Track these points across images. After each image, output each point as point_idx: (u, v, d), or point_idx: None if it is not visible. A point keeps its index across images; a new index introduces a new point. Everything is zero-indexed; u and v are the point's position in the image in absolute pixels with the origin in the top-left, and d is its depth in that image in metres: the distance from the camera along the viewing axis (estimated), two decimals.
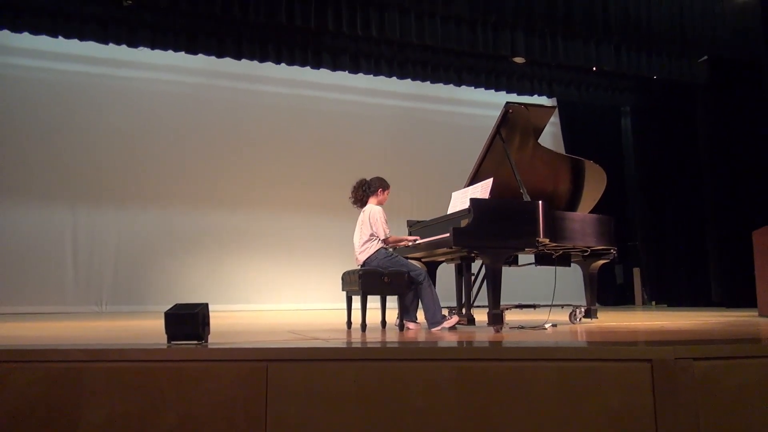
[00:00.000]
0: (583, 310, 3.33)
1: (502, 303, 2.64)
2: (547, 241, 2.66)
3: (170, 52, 5.48)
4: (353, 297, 2.95)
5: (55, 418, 1.59)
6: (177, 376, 1.63)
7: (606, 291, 6.98)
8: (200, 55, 5.56)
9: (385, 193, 3.00)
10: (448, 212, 3.02)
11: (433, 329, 2.77)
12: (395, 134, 6.93)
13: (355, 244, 2.94)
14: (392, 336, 2.51)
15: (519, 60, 6.19)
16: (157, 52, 5.52)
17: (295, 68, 5.92)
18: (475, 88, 6.54)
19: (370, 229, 2.87)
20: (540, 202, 2.67)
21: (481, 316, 2.92)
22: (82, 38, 5.11)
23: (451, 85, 6.49)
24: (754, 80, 5.51)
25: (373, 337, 2.47)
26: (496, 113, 3.00)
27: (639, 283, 7.35)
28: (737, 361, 1.72)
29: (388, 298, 2.83)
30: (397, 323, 2.84)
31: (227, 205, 6.26)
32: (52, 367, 1.63)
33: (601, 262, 3.24)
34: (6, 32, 5.05)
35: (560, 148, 6.97)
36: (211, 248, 6.14)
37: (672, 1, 5.45)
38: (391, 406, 1.62)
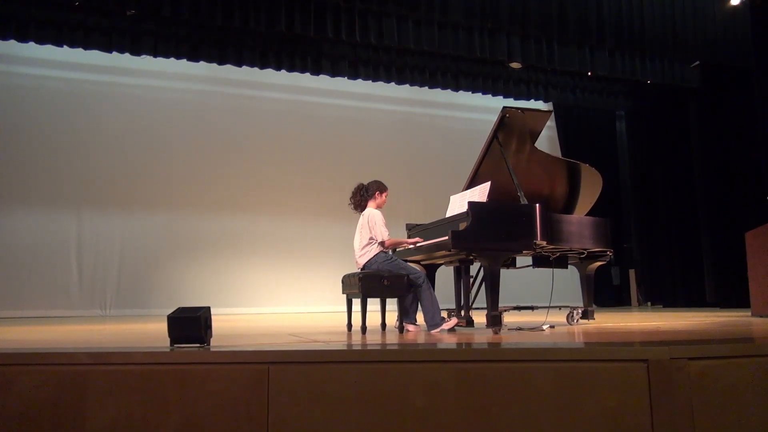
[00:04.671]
0: (580, 311, 3.36)
1: (500, 305, 2.66)
2: (544, 243, 2.69)
3: (172, 59, 5.53)
4: (353, 300, 2.97)
5: (60, 421, 1.61)
6: (180, 378, 1.65)
7: (602, 292, 7.01)
8: (202, 63, 5.62)
9: (384, 195, 3.03)
10: (447, 215, 3.04)
11: (432, 331, 2.79)
12: (394, 139, 6.97)
13: (355, 248, 2.96)
14: (392, 338, 2.53)
15: (515, 65, 6.26)
16: (160, 59, 5.57)
17: (295, 75, 5.97)
18: (473, 92, 6.60)
19: (370, 232, 2.90)
20: (537, 204, 2.70)
21: (479, 317, 2.94)
22: (86, 47, 5.16)
23: (449, 90, 6.55)
24: (745, 85, 5.60)
25: (373, 339, 2.49)
26: (494, 117, 3.04)
27: (635, 285, 7.40)
28: (732, 361, 1.74)
29: (388, 300, 2.86)
30: (397, 325, 2.86)
31: (229, 209, 6.29)
32: (58, 370, 1.65)
33: (598, 263, 3.28)
34: (12, 42, 5.10)
35: (556, 152, 7.03)
36: (213, 252, 6.16)
37: (664, 7, 5.54)
38: (391, 408, 1.64)
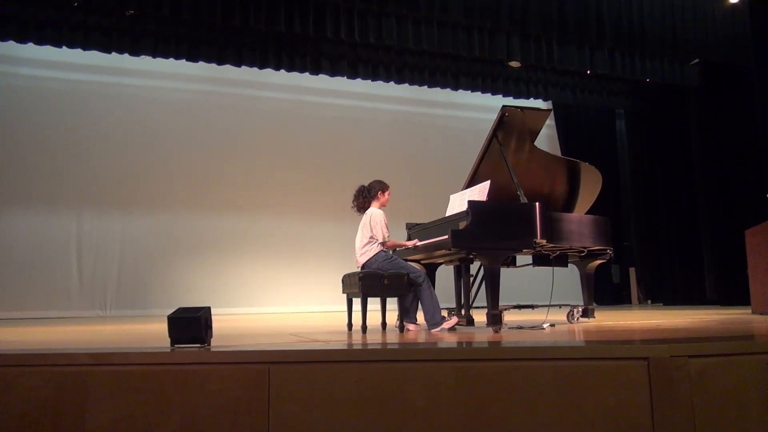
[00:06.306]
0: (580, 309, 3.36)
1: (500, 303, 2.67)
2: (544, 242, 2.69)
3: (171, 59, 5.53)
4: (353, 299, 2.97)
5: (61, 421, 1.61)
6: (181, 378, 1.65)
7: (603, 290, 7.01)
8: (201, 63, 5.61)
9: (386, 194, 3.03)
10: (447, 215, 3.05)
11: (432, 330, 2.79)
12: (394, 138, 6.97)
13: (356, 247, 2.96)
14: (392, 337, 2.53)
15: (515, 64, 6.26)
16: (159, 60, 5.57)
17: (295, 74, 5.97)
18: (472, 92, 6.59)
19: (371, 231, 2.90)
20: (537, 203, 2.71)
21: (480, 316, 2.94)
22: (85, 47, 5.16)
23: (449, 90, 6.54)
24: (744, 83, 5.60)
25: (374, 338, 2.49)
26: (493, 116, 3.04)
27: (635, 283, 7.40)
28: (732, 358, 1.75)
29: (388, 299, 2.86)
30: (397, 325, 2.87)
31: (229, 209, 6.29)
32: (58, 371, 1.65)
33: (598, 262, 3.28)
34: (11, 43, 5.10)
35: (556, 151, 7.03)
36: (213, 252, 6.16)
37: (664, 6, 5.54)
38: (391, 407, 1.64)
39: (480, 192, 2.88)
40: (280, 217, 6.44)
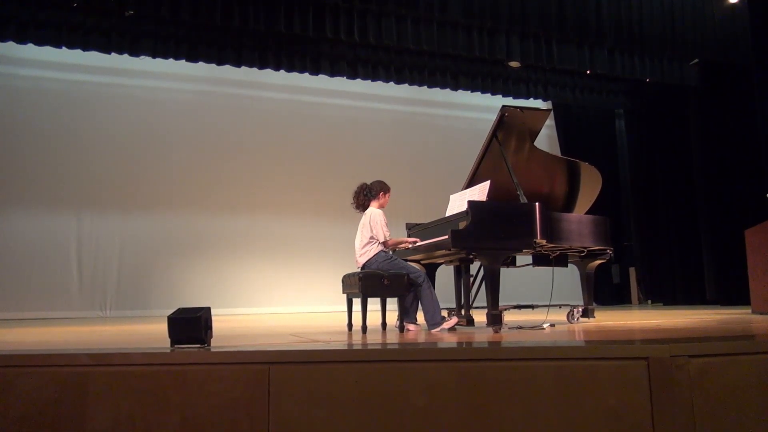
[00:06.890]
0: (580, 309, 3.36)
1: (500, 304, 2.67)
2: (544, 242, 2.69)
3: (171, 60, 5.53)
4: (354, 299, 2.98)
5: (61, 422, 1.61)
6: (180, 379, 1.65)
7: (603, 290, 7.02)
8: (201, 63, 5.61)
9: (386, 195, 3.03)
10: (447, 215, 3.05)
11: (432, 330, 2.79)
12: (393, 138, 6.98)
13: (356, 247, 2.96)
14: (392, 337, 2.53)
15: (514, 64, 6.26)
16: (159, 60, 5.57)
17: (294, 74, 5.97)
18: (472, 92, 6.59)
19: (371, 231, 2.90)
20: (537, 203, 2.71)
21: (480, 316, 2.95)
22: (85, 48, 5.16)
23: (448, 90, 6.54)
24: (744, 82, 5.60)
25: (374, 338, 2.50)
26: (493, 116, 3.04)
27: (635, 283, 7.41)
28: (732, 358, 1.74)
29: (388, 300, 2.86)
30: (397, 325, 2.87)
31: (229, 210, 6.29)
32: (59, 372, 1.65)
33: (598, 262, 3.28)
34: (11, 44, 5.10)
35: (556, 150, 7.03)
36: (213, 253, 6.16)
37: (663, 5, 5.54)
38: (391, 407, 1.64)
39: (480, 192, 2.88)
40: (280, 217, 6.44)
